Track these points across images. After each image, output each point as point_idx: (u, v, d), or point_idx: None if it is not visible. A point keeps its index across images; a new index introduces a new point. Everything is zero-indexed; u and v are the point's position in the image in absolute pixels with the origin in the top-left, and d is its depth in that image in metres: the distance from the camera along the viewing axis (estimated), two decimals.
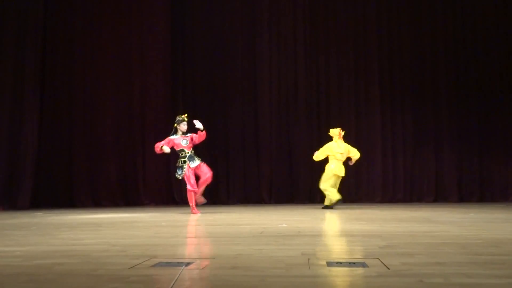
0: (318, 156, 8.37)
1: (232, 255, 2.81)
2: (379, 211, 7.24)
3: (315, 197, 10.00)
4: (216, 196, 10.44)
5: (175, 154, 7.62)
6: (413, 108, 10.57)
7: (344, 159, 8.26)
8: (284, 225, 4.86)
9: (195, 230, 4.76)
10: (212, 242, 3.63)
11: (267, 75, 10.79)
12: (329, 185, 8.17)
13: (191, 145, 7.44)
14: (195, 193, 7.31)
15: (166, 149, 7.36)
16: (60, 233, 4.41)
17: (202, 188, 7.44)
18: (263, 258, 2.69)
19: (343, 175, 8.24)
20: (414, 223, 4.95)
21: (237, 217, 6.49)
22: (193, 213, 7.14)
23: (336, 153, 8.18)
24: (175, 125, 7.52)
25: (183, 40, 10.91)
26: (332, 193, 8.13)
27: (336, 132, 8.33)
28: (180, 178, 7.38)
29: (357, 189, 10.47)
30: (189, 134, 7.50)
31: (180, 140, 7.44)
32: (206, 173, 7.39)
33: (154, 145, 7.54)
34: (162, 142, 7.42)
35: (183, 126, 7.49)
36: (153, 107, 10.65)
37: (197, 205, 7.41)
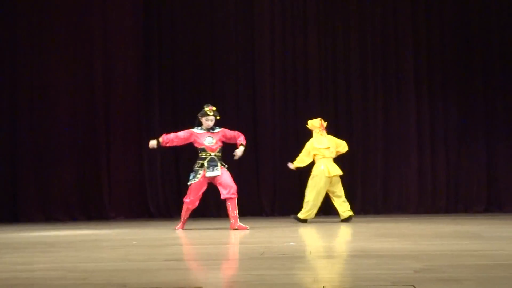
0: (302, 160, 8.38)
1: (225, 283, 2.82)
2: (413, 225, 7.26)
3: (331, 208, 10.02)
4: (204, 207, 10.41)
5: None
6: (458, 91, 10.55)
7: (333, 155, 8.31)
8: (291, 243, 4.88)
9: (176, 251, 4.77)
10: (199, 266, 3.64)
11: (268, 49, 10.72)
12: (313, 195, 8.20)
13: (219, 145, 7.10)
14: (188, 209, 7.28)
15: (151, 144, 7.13)
16: (2, 255, 4.42)
17: (232, 212, 7.09)
18: (265, 286, 2.71)
19: (340, 173, 8.25)
20: (459, 240, 4.97)
21: (231, 233, 6.50)
22: (179, 228, 7.17)
23: (322, 149, 8.22)
24: (198, 116, 7.19)
25: (159, 8, 10.87)
26: (308, 209, 8.20)
27: (316, 124, 8.36)
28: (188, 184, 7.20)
29: (385, 196, 10.47)
30: (218, 130, 7.16)
31: (205, 137, 7.09)
32: (228, 186, 7.07)
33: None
34: (181, 133, 7.11)
35: (207, 122, 7.09)
36: (120, 97, 10.60)
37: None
